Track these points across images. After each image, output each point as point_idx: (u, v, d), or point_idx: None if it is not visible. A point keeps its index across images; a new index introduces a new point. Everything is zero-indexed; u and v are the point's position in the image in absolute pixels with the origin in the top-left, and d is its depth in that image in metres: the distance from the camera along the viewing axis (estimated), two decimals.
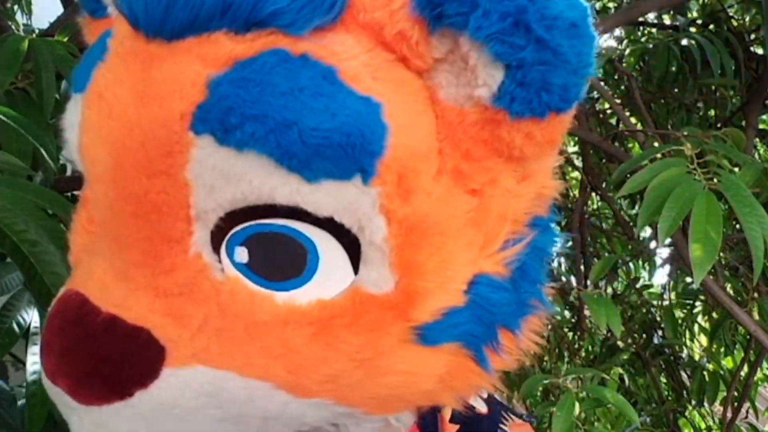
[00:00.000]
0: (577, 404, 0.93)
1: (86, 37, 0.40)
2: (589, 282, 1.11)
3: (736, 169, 0.93)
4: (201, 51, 0.30)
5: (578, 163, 2.06)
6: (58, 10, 1.50)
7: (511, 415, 0.52)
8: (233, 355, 0.32)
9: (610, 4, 2.07)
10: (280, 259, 0.32)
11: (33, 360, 0.86)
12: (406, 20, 0.30)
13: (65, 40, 1.06)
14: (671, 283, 2.00)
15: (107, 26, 0.36)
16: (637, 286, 2.04)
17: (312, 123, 0.29)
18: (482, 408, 0.50)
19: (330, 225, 0.31)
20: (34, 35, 1.13)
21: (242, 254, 0.32)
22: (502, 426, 0.50)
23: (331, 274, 0.32)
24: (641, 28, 1.90)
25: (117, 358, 0.31)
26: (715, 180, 0.80)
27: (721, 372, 1.67)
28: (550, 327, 2.05)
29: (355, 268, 0.33)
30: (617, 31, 1.96)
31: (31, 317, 0.87)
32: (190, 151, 0.30)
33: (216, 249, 0.32)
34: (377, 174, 0.30)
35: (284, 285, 0.32)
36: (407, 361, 0.33)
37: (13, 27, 1.43)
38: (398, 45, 0.31)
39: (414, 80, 0.32)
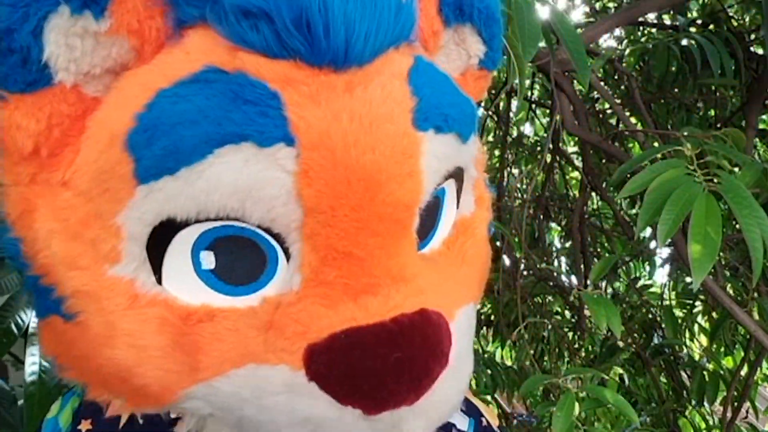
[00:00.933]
0: (577, 404, 0.93)
1: (13, 114, 0.33)
2: (589, 282, 1.10)
3: (736, 169, 0.93)
4: (388, 68, 0.36)
5: (578, 163, 2.07)
6: None
7: None
8: (461, 287, 0.42)
9: (610, 4, 2.07)
10: (430, 219, 0.41)
11: (32, 360, 0.86)
12: (438, 23, 0.41)
13: None
14: (671, 283, 2.00)
15: (58, 99, 0.33)
16: (637, 286, 2.04)
17: (464, 101, 0.42)
18: (463, 424, 0.56)
19: (458, 175, 0.42)
20: None
21: (417, 224, 0.39)
22: None
23: (448, 218, 0.43)
24: (641, 28, 1.90)
25: (432, 342, 0.36)
26: (715, 180, 0.80)
27: (721, 372, 1.67)
28: (550, 327, 2.05)
29: (457, 204, 0.44)
30: (617, 31, 1.96)
31: (30, 318, 0.87)
32: (421, 147, 0.36)
33: None
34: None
35: (427, 241, 0.42)
36: (488, 251, 0.48)
37: None
38: (431, 40, 0.42)
39: None
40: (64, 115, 0.34)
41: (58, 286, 0.36)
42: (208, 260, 0.35)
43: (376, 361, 0.34)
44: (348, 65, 0.34)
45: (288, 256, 0.36)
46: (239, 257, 0.36)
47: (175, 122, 0.32)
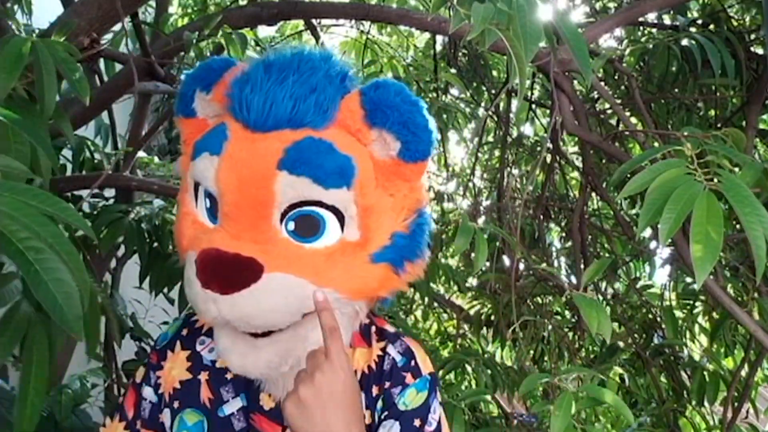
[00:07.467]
0: (574, 403, 0.93)
1: (184, 132, 0.78)
2: (582, 283, 1.09)
3: (736, 169, 0.93)
4: (278, 137, 0.68)
5: (578, 163, 2.07)
6: (58, 10, 1.50)
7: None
8: (301, 269, 0.69)
9: (610, 4, 2.07)
10: (309, 227, 0.69)
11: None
12: (362, 124, 0.71)
13: (63, 40, 1.06)
14: (671, 283, 2.00)
15: (197, 123, 0.77)
16: (638, 286, 2.04)
17: (331, 164, 0.68)
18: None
19: (333, 209, 0.69)
20: (34, 35, 1.12)
21: (291, 225, 0.69)
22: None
23: (331, 234, 0.70)
24: (641, 28, 1.90)
25: (242, 271, 0.67)
26: (716, 180, 0.80)
27: (721, 372, 1.67)
28: (550, 327, 2.05)
29: (342, 230, 0.71)
30: (617, 31, 1.96)
31: None
32: (277, 177, 0.67)
33: (280, 222, 0.69)
34: (353, 186, 0.69)
35: (309, 240, 0.70)
36: (367, 271, 0.72)
37: (13, 27, 1.43)
38: (357, 134, 0.72)
39: (363, 148, 0.72)
40: (197, 128, 0.76)
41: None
42: (207, 201, 0.73)
43: (212, 264, 0.67)
44: (258, 131, 0.69)
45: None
46: (213, 203, 0.72)
47: (202, 140, 0.74)
